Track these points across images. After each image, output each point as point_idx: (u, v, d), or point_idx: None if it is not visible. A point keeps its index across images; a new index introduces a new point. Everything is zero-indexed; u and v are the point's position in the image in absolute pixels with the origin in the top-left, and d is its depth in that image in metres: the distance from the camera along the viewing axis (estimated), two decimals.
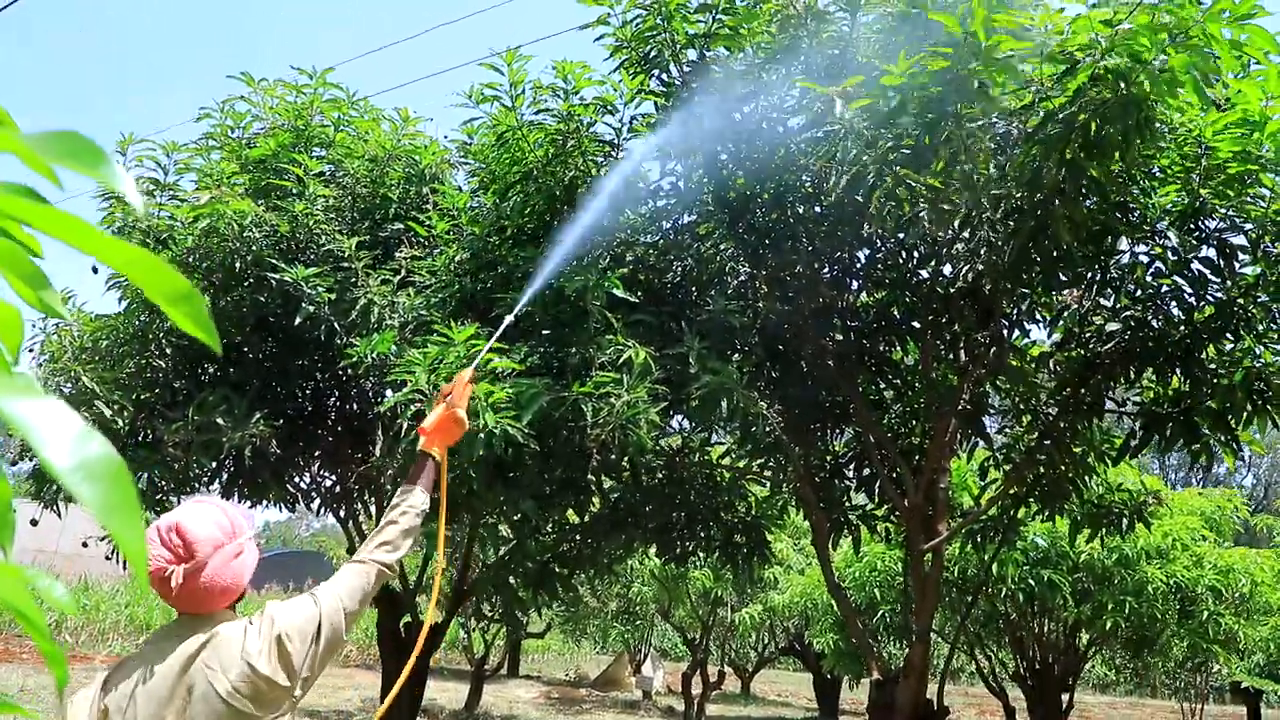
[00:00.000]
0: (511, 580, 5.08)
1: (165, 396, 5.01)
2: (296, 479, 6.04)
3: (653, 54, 4.50)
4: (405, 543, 2.11)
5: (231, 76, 5.28)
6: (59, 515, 5.26)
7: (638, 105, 4.73)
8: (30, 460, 5.31)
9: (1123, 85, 3.33)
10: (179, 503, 5.29)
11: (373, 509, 6.55)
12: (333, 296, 4.62)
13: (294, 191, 4.97)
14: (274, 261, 4.66)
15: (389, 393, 4.83)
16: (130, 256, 0.45)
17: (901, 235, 4.68)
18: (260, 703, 1.78)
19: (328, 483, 6.26)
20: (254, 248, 4.72)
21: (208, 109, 5.38)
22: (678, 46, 4.45)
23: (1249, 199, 3.96)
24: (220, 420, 4.61)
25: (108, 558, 6.62)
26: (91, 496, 0.38)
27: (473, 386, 2.38)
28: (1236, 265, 4.24)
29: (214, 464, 5.12)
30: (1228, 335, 4.40)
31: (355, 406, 5.80)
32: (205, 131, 5.44)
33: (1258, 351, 4.52)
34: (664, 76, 4.60)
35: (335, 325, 4.64)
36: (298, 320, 4.57)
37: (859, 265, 5.13)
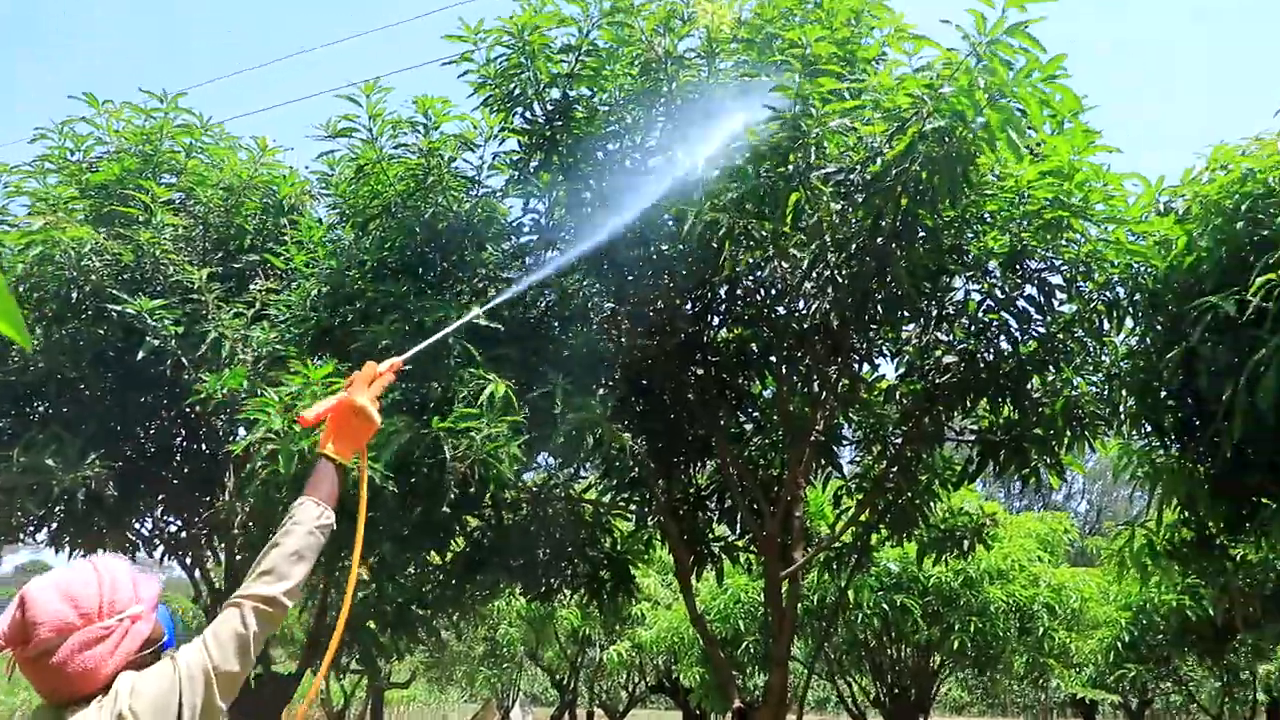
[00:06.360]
0: (370, 625, 4.92)
1: None
2: (137, 524, 5.68)
3: (516, 92, 4.57)
4: (295, 569, 1.68)
5: (73, 97, 5.02)
6: None
7: (501, 142, 4.78)
8: None
9: (947, 140, 3.63)
10: None
11: (222, 556, 6.22)
12: (180, 330, 4.42)
13: (140, 219, 4.74)
14: (115, 293, 4.43)
15: (241, 431, 4.63)
16: None
17: (758, 274, 4.89)
18: None
19: (172, 528, 5.91)
20: (93, 277, 4.48)
21: (44, 129, 5.09)
22: (541, 85, 4.53)
23: (1064, 242, 4.34)
24: (50, 462, 4.31)
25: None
26: None
27: (392, 377, 1.98)
28: (1055, 303, 4.63)
29: (41, 511, 4.77)
30: (1049, 367, 4.79)
31: (204, 446, 5.53)
32: (40, 154, 5.13)
33: (1075, 382, 4.94)
34: (527, 115, 4.66)
35: (183, 360, 4.44)
36: (140, 355, 4.35)
37: (719, 302, 5.30)
